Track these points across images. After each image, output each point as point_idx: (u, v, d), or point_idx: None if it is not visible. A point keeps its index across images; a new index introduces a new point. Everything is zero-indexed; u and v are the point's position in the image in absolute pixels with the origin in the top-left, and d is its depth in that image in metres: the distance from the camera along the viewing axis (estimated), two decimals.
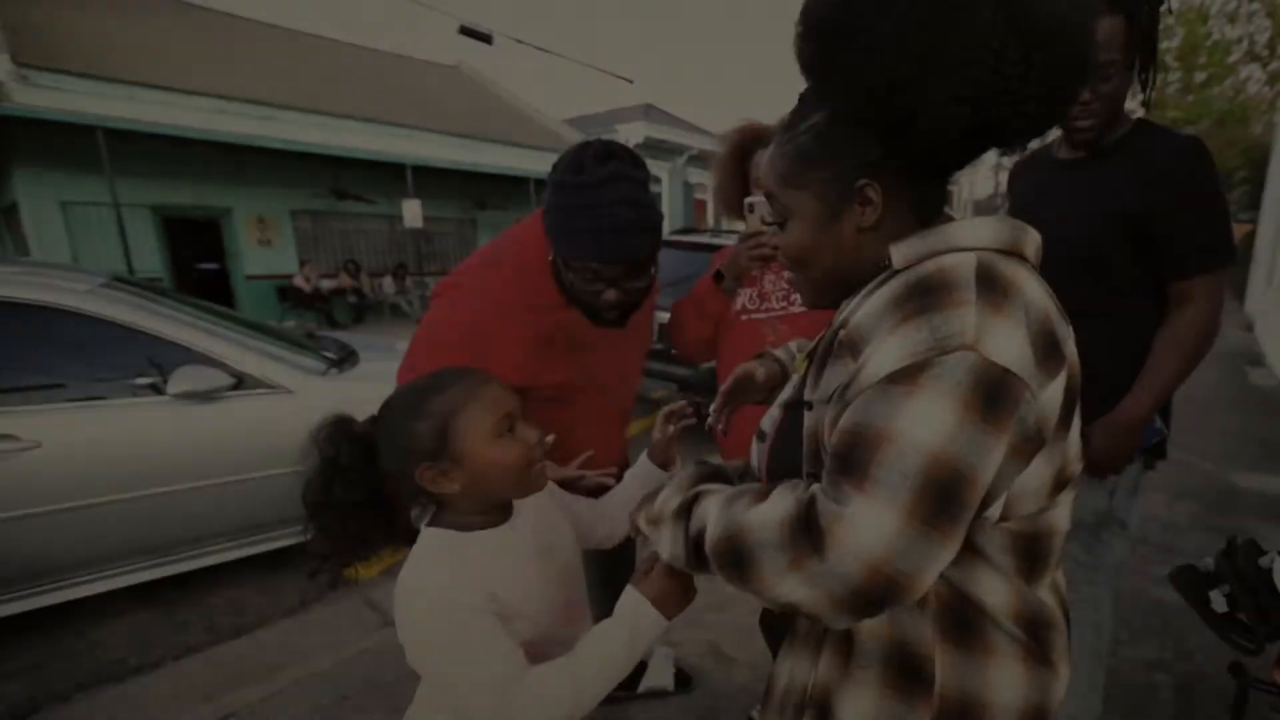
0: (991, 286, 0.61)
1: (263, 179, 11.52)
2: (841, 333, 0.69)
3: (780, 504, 0.63)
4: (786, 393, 0.88)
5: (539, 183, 13.55)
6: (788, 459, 0.77)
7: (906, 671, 0.70)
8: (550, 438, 0.97)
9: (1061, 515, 0.70)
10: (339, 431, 0.91)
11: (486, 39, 10.59)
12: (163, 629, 2.62)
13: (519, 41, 11.28)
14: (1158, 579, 2.77)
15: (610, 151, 1.14)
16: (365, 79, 14.05)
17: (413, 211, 10.99)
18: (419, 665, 0.88)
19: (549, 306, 1.27)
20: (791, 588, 0.59)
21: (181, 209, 11.03)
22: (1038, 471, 0.65)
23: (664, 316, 5.40)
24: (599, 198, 1.09)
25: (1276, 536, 3.16)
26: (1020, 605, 0.69)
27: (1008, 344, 0.58)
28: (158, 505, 2.51)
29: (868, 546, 0.55)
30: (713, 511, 0.70)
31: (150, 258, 10.46)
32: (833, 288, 0.79)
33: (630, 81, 11.09)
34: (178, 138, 9.37)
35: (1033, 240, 0.71)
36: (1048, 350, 0.62)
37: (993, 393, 0.57)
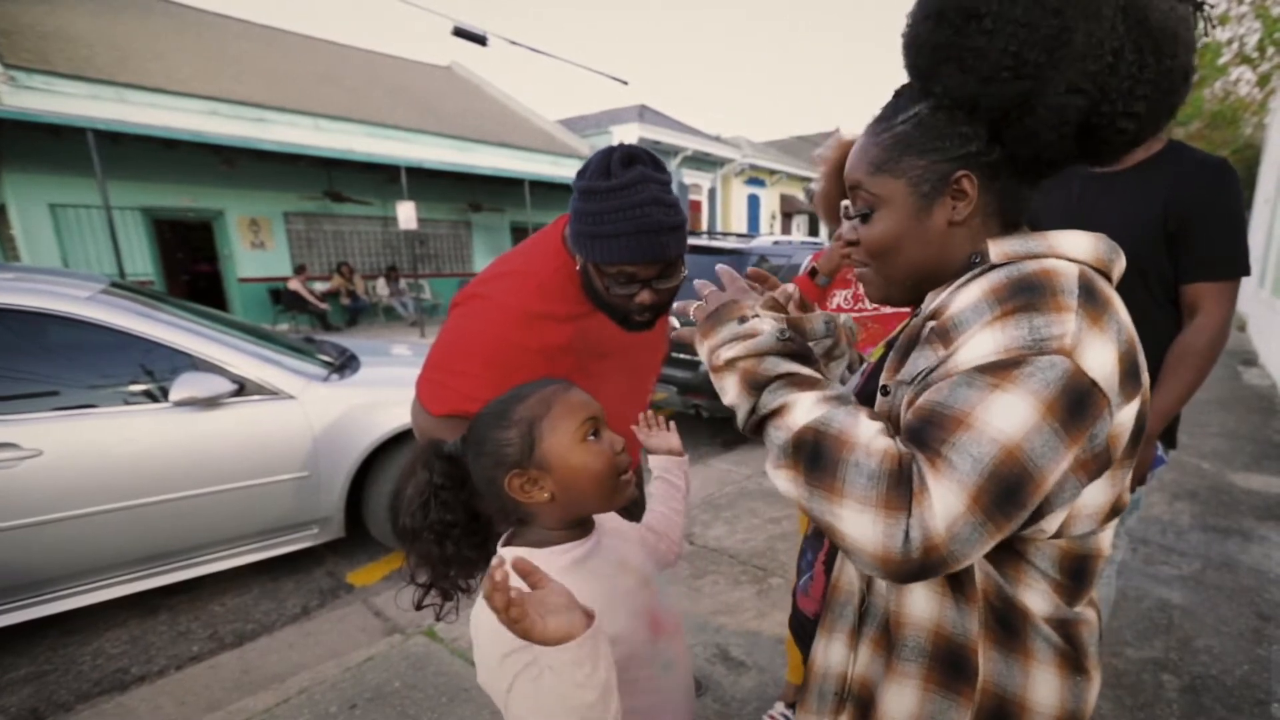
0: (1093, 298, 0.62)
1: (255, 181, 11.43)
2: (933, 323, 0.68)
3: (882, 436, 0.61)
4: (853, 383, 0.87)
5: (534, 184, 13.53)
6: None
7: (950, 666, 0.70)
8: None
9: (1107, 538, 0.71)
10: (432, 452, 0.91)
11: (481, 40, 10.55)
12: (165, 637, 2.59)
13: (513, 43, 11.24)
14: (1162, 579, 2.79)
15: (634, 155, 1.15)
16: (358, 80, 14.00)
17: (407, 213, 10.92)
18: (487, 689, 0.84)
19: (571, 315, 1.27)
20: (860, 520, 0.58)
21: (173, 211, 10.93)
22: (1099, 494, 0.65)
23: (673, 321, 5.45)
24: (630, 200, 1.11)
25: (1275, 536, 3.19)
26: (1062, 615, 0.70)
27: (1100, 357, 0.59)
28: (160, 513, 2.49)
29: (935, 525, 0.55)
30: (805, 401, 0.66)
31: (141, 260, 10.36)
32: (909, 284, 0.78)
33: (625, 83, 11.08)
34: (169, 139, 9.29)
35: (1120, 265, 0.71)
36: (1131, 372, 0.62)
37: (1077, 402, 0.58)
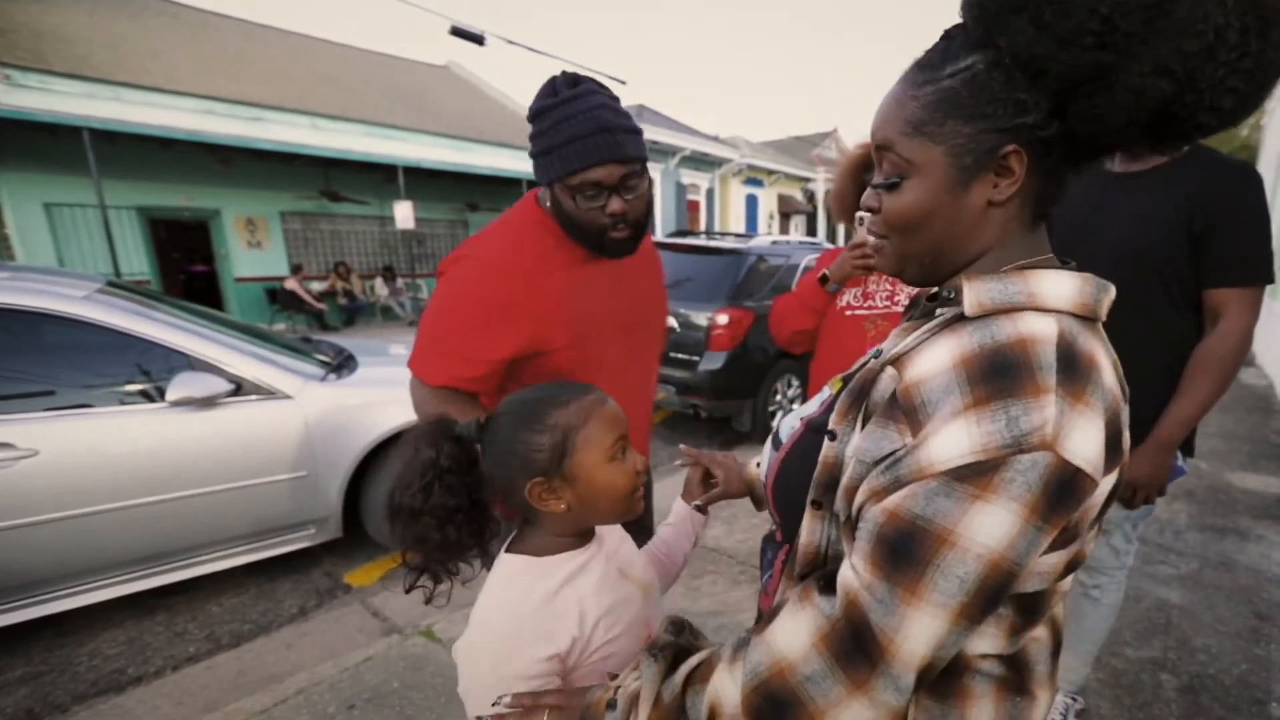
0: (1073, 371, 0.56)
1: (252, 180, 11.41)
2: (896, 385, 0.63)
3: (804, 623, 0.59)
4: (812, 407, 0.84)
5: (531, 184, 13.45)
6: (796, 474, 0.75)
7: None
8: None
9: (1069, 579, 0.66)
10: (441, 432, 0.87)
11: (478, 40, 10.51)
12: (161, 638, 2.58)
13: (511, 42, 11.19)
14: (1160, 579, 2.79)
15: (578, 78, 1.22)
16: (355, 79, 13.95)
17: (404, 213, 10.91)
18: (463, 699, 0.84)
19: (553, 267, 1.29)
20: (854, 713, 0.56)
21: (169, 211, 10.90)
22: (1052, 559, 0.60)
23: (671, 322, 5.41)
24: (579, 108, 1.17)
25: (1273, 536, 3.19)
26: (1005, 650, 0.66)
27: (1085, 441, 0.54)
28: (156, 513, 2.48)
29: (921, 652, 0.54)
30: (722, 679, 0.62)
31: (137, 260, 10.32)
32: (926, 261, 0.69)
33: (623, 82, 11.02)
34: (165, 139, 9.25)
35: (1109, 299, 0.64)
36: (1114, 442, 0.58)
37: (1060, 493, 0.54)
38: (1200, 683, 2.15)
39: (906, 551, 0.55)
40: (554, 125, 1.18)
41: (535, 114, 1.21)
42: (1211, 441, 4.67)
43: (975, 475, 0.53)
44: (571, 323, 1.30)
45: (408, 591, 0.91)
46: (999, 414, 0.54)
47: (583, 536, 0.92)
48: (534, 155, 1.24)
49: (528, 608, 0.82)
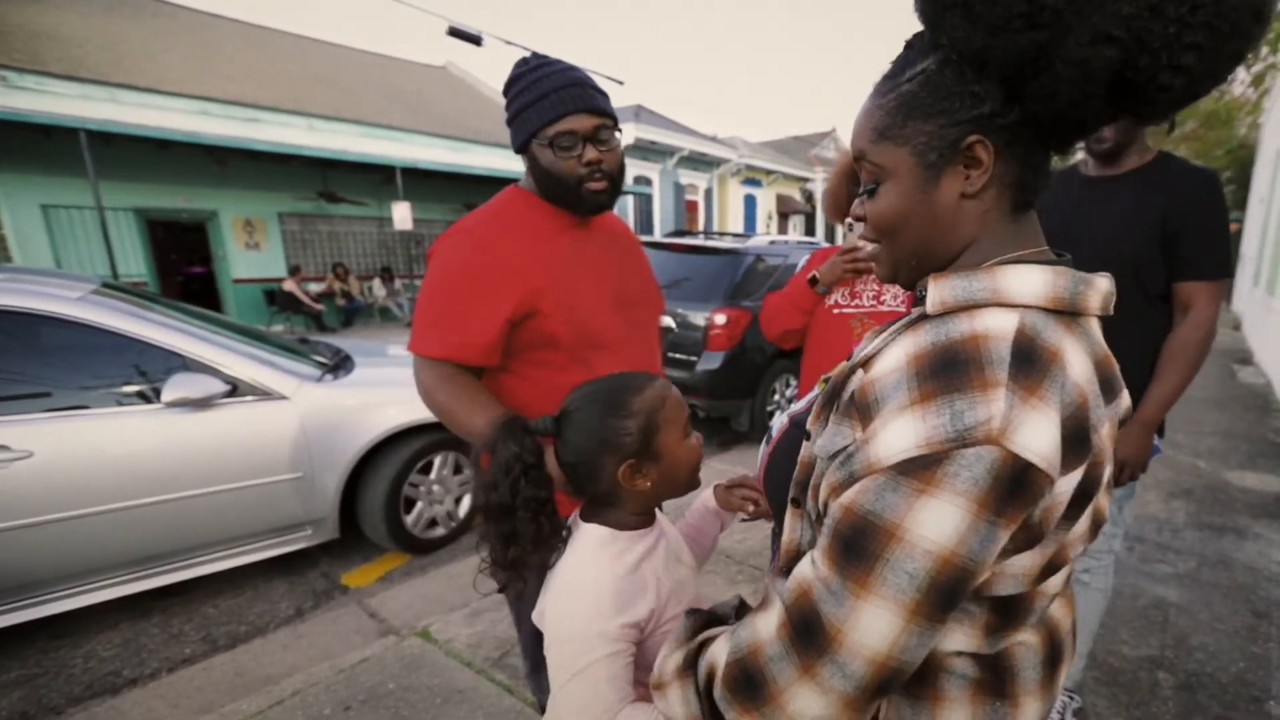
0: (1028, 364, 0.55)
1: (249, 181, 11.39)
2: (859, 379, 0.63)
3: (774, 610, 0.61)
4: (801, 405, 0.85)
5: None
6: (782, 470, 0.77)
7: None
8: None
9: (1056, 581, 0.64)
10: (518, 428, 0.90)
11: (476, 40, 10.50)
12: (157, 640, 2.58)
13: (508, 43, 11.17)
14: (1158, 577, 2.79)
15: (549, 57, 1.32)
16: (353, 80, 13.96)
17: (402, 214, 10.90)
18: (548, 653, 0.88)
19: (538, 234, 1.32)
20: (806, 700, 0.56)
21: (167, 212, 10.89)
22: (1026, 559, 0.59)
23: (669, 322, 5.38)
24: (548, 70, 1.27)
25: (1271, 534, 3.19)
26: (983, 650, 0.64)
27: (1037, 436, 0.53)
28: (151, 515, 2.47)
29: (873, 646, 0.54)
30: (720, 647, 0.66)
31: (135, 262, 10.32)
32: (913, 263, 0.69)
33: (621, 83, 11.03)
34: (162, 140, 9.23)
35: (1097, 292, 0.62)
36: (1076, 438, 0.56)
37: (1011, 489, 0.52)
38: (1198, 681, 2.15)
39: (858, 546, 0.55)
40: (527, 87, 1.26)
41: (508, 84, 1.30)
42: (1210, 440, 4.68)
43: (920, 469, 0.53)
44: (558, 286, 1.31)
45: (501, 590, 0.95)
46: (944, 408, 0.54)
47: (649, 516, 0.97)
48: (510, 122, 1.31)
49: (615, 574, 0.88)
